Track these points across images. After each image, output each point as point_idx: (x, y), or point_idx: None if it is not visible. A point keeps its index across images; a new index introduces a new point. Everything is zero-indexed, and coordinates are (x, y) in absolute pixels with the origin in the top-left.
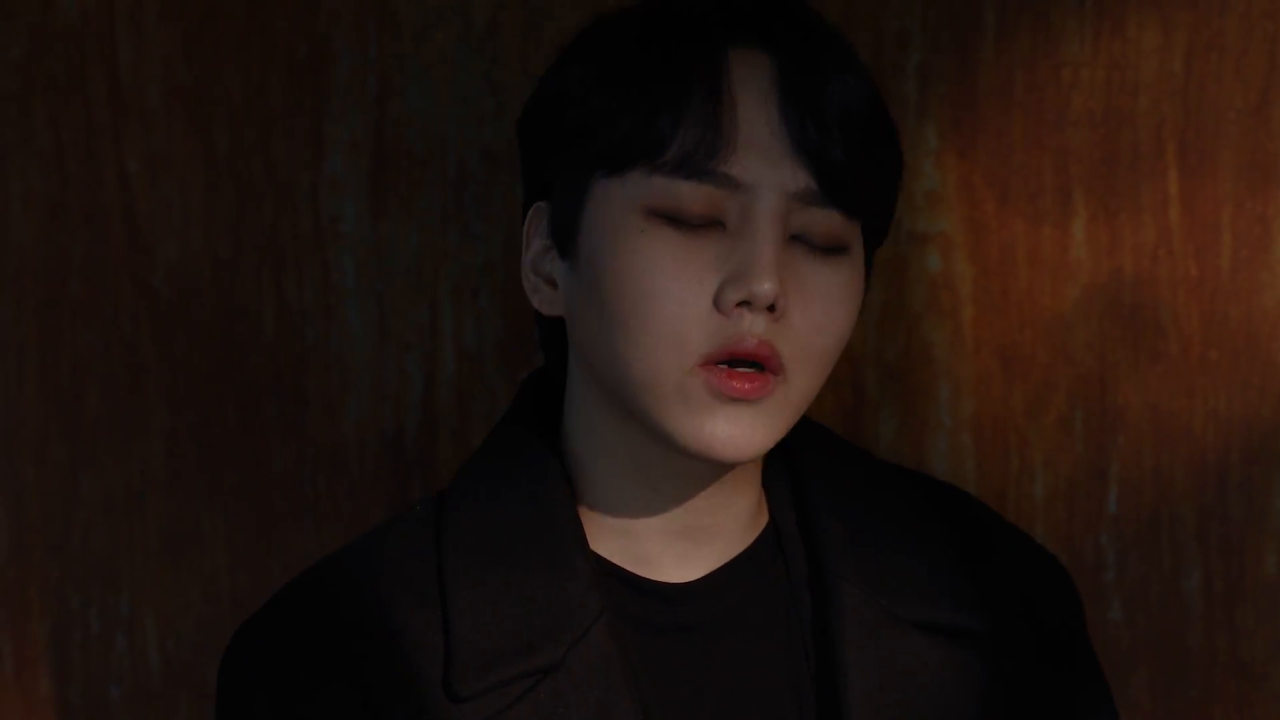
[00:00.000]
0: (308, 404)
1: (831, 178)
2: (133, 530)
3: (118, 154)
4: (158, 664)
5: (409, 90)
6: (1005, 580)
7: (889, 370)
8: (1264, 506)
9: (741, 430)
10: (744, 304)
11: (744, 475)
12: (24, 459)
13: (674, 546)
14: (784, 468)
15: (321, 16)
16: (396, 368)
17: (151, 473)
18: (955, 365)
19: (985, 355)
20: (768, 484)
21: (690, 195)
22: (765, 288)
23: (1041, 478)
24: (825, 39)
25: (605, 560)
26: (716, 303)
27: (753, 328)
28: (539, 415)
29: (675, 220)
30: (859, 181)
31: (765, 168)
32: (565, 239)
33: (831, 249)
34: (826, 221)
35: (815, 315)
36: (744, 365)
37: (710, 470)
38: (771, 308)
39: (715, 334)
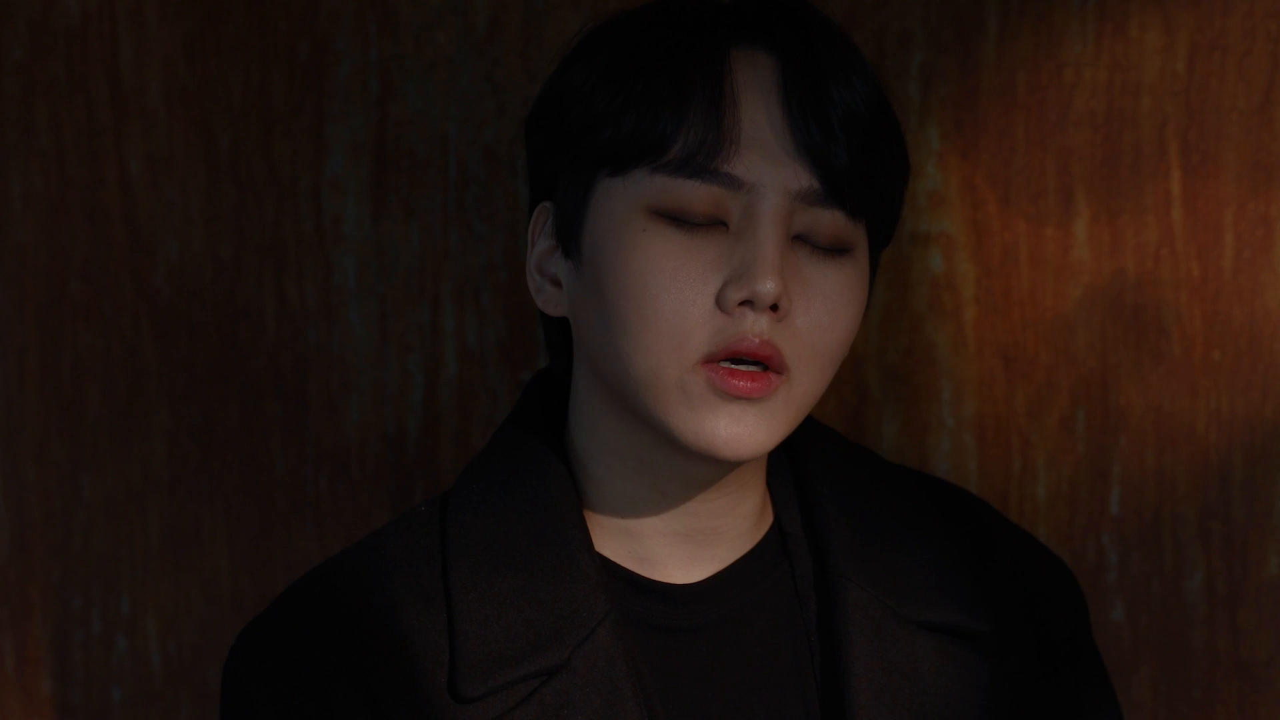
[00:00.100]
0: (309, 404)
1: (834, 178)
2: (134, 531)
3: (119, 154)
4: (159, 665)
5: (410, 91)
6: (1010, 581)
7: (891, 371)
8: (1266, 507)
9: (744, 429)
10: (746, 303)
11: (748, 476)
12: (25, 459)
13: (679, 548)
14: (789, 468)
15: (322, 17)
16: (398, 368)
17: (152, 473)
18: (958, 366)
19: (988, 356)
20: (772, 485)
21: (693, 194)
22: (768, 287)
23: (1044, 478)
24: (830, 40)
25: (610, 561)
26: (719, 302)
27: (755, 327)
28: (543, 416)
29: (678, 220)
30: (862, 182)
31: (768, 167)
32: (569, 239)
33: (835, 249)
34: (830, 222)
35: (818, 315)
36: (746, 364)
37: (714, 472)
38: (774, 307)
39: (718, 333)
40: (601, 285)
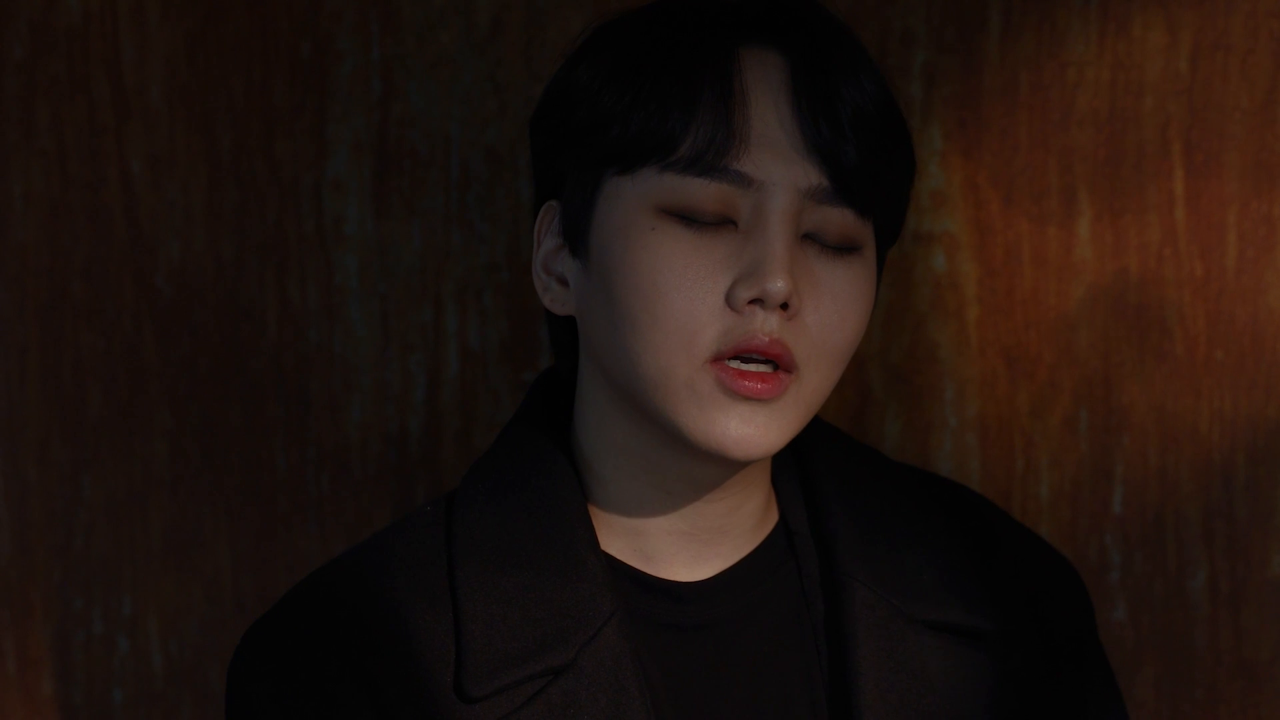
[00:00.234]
0: (311, 405)
1: (844, 176)
2: (135, 531)
3: (120, 154)
4: (160, 665)
5: (412, 90)
6: (1015, 580)
7: (894, 370)
8: (1269, 507)
9: (754, 429)
10: (756, 302)
11: (754, 476)
12: (26, 460)
13: (685, 546)
14: (795, 467)
15: (324, 16)
16: (400, 368)
17: (154, 474)
18: (960, 365)
19: (990, 355)
20: (779, 483)
21: (702, 193)
22: (778, 285)
23: (1046, 478)
24: (838, 38)
25: (616, 559)
26: (729, 300)
27: (765, 326)
28: (548, 415)
29: (687, 219)
30: (871, 180)
31: (778, 165)
32: (576, 237)
33: (844, 248)
34: (839, 220)
35: (827, 314)
36: (756, 363)
37: (722, 472)
38: (784, 306)
39: (727, 332)
40: (610, 284)
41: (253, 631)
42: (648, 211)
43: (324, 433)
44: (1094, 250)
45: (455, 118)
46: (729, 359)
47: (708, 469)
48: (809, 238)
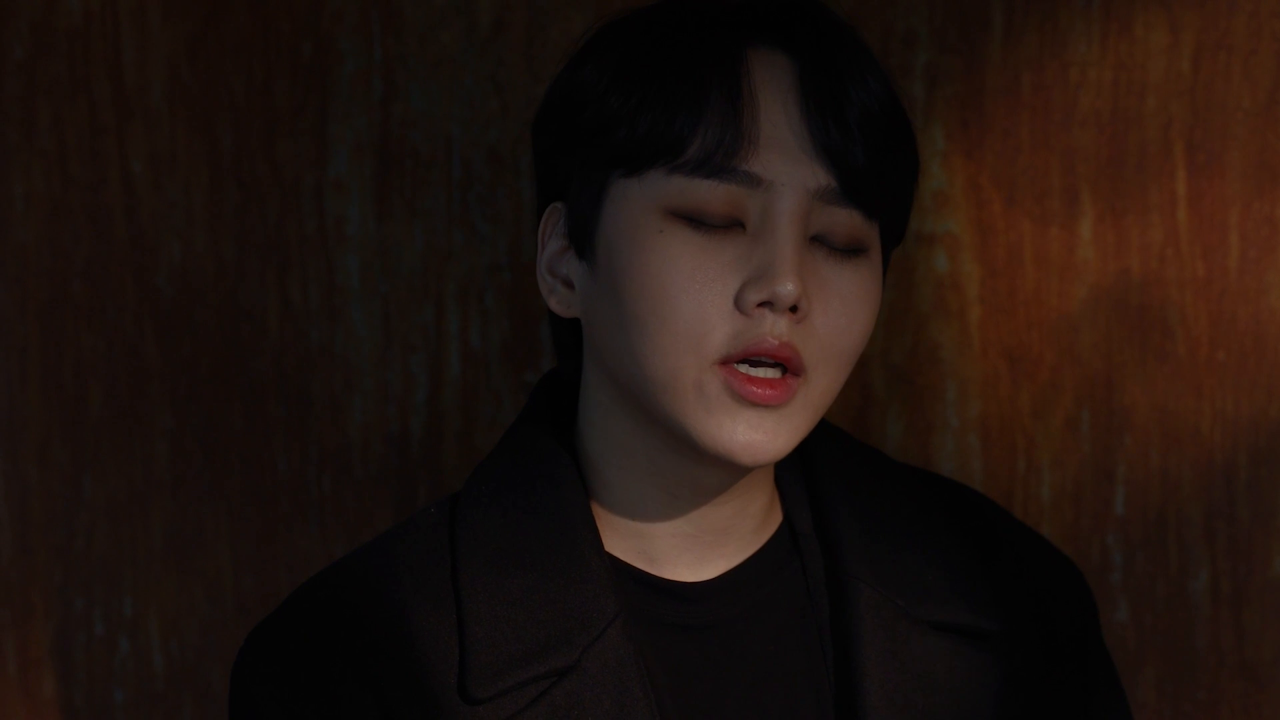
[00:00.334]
0: (312, 405)
1: (852, 177)
2: (136, 532)
3: (121, 154)
4: (161, 666)
5: (413, 91)
6: (1019, 580)
7: (896, 371)
8: (1271, 507)
9: (762, 435)
10: (765, 305)
11: (758, 478)
12: (27, 460)
13: (689, 548)
14: (799, 468)
15: (326, 17)
16: (401, 369)
17: (155, 474)
18: (962, 366)
19: (992, 356)
20: (783, 484)
21: (710, 195)
22: (788, 288)
23: (1048, 478)
24: (844, 40)
25: (620, 561)
26: (737, 303)
27: (775, 329)
28: (552, 417)
29: (695, 221)
30: (878, 181)
31: (786, 166)
32: (583, 240)
33: (852, 250)
34: (847, 222)
35: (836, 316)
36: (764, 366)
37: (727, 476)
38: (794, 309)
39: (736, 335)
40: (617, 286)
41: (256, 633)
42: (656, 214)
43: (325, 433)
44: (1096, 251)
45: (457, 118)
46: (737, 362)
47: (713, 473)
48: (817, 240)
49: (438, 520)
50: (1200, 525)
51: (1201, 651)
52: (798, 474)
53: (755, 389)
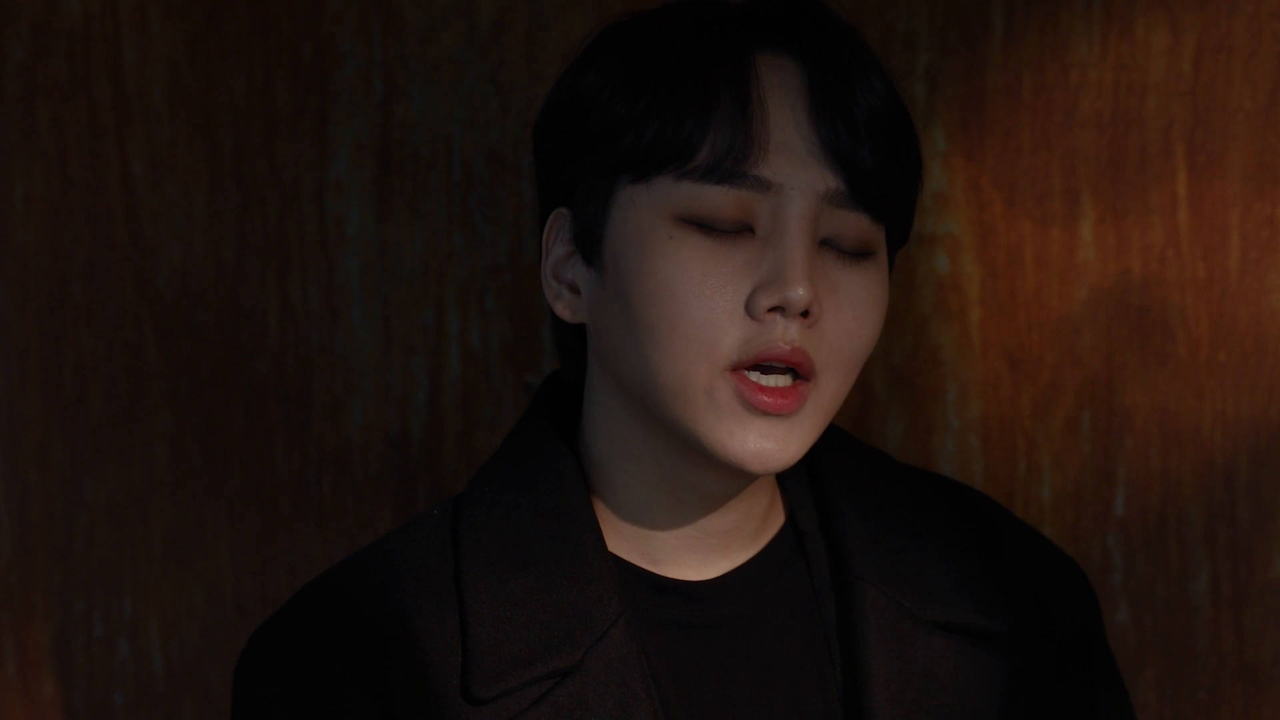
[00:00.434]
0: (312, 407)
1: (860, 180)
2: (136, 534)
3: (121, 156)
4: (161, 668)
5: (414, 92)
6: (1022, 581)
7: (896, 372)
8: (1271, 508)
9: (774, 444)
10: (776, 309)
11: (762, 480)
12: (27, 462)
13: (693, 550)
14: (803, 468)
15: (326, 18)
16: (401, 370)
17: (155, 476)
18: (963, 367)
19: (993, 357)
20: (787, 484)
21: (720, 200)
22: (799, 293)
23: (1049, 479)
24: (849, 43)
25: (624, 561)
26: (748, 308)
27: (786, 334)
28: (555, 419)
29: (705, 226)
30: (886, 183)
31: (795, 170)
32: (589, 246)
33: (860, 253)
34: (855, 224)
35: (846, 320)
36: (775, 373)
37: (734, 482)
38: (805, 313)
39: (748, 341)
40: (627, 292)
41: (259, 634)
42: (665, 220)
43: (325, 435)
44: (1097, 252)
45: (457, 119)
46: (749, 369)
47: (720, 480)
48: (826, 244)
49: (440, 521)
50: (1201, 526)
51: (1202, 653)
52: (802, 474)
53: (766, 398)
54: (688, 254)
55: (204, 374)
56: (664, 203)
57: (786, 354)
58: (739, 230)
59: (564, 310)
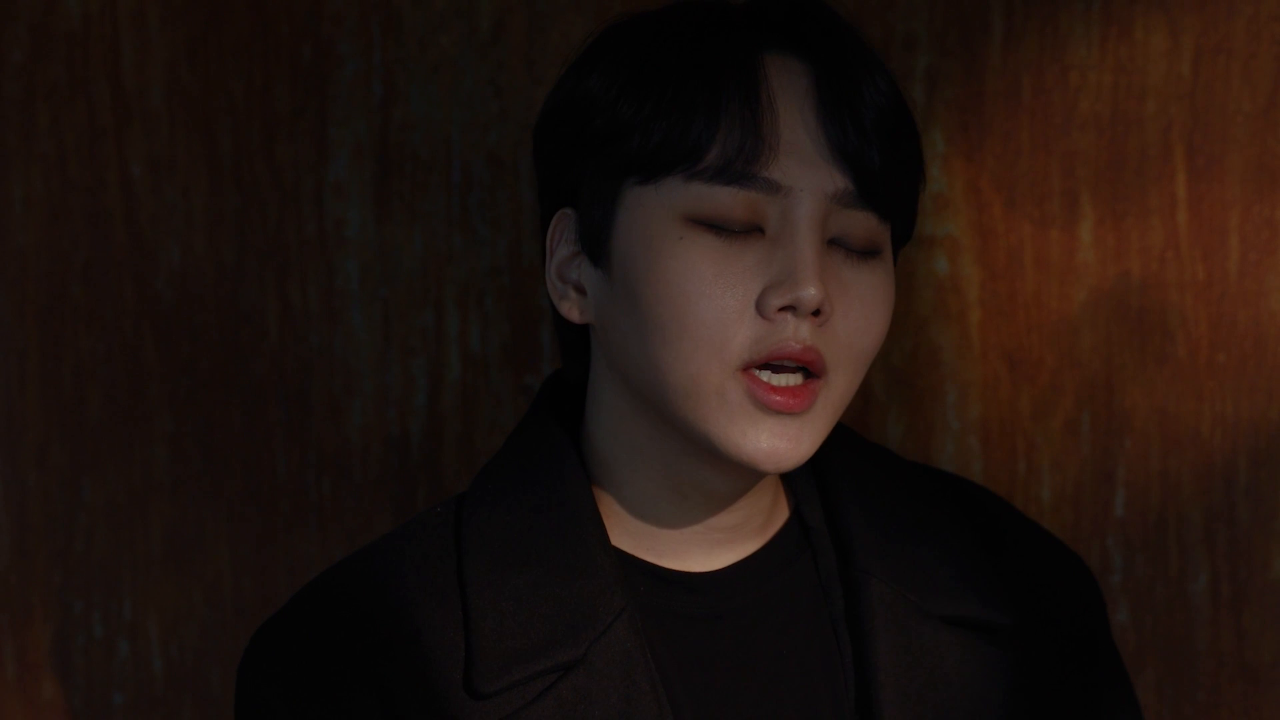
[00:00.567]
0: (311, 408)
1: (868, 179)
2: (135, 535)
3: (120, 157)
4: (161, 669)
5: (413, 94)
6: (1027, 576)
7: (896, 373)
8: (1271, 509)
9: (786, 442)
10: (788, 309)
11: (768, 477)
12: (26, 463)
13: (697, 544)
14: (808, 464)
15: (325, 20)
16: (401, 372)
17: (154, 477)
18: (962, 368)
19: (992, 358)
20: (793, 480)
21: (731, 201)
22: (811, 293)
23: (1048, 480)
24: (853, 42)
25: (628, 555)
26: (759, 308)
27: (798, 333)
28: (559, 417)
29: (715, 227)
30: (893, 183)
31: (805, 171)
32: (596, 247)
33: (867, 252)
34: (863, 224)
35: (856, 318)
36: (786, 372)
37: (741, 481)
38: (817, 312)
39: (758, 340)
40: (636, 293)
41: (261, 633)
42: (675, 221)
43: (325, 436)
44: (1096, 253)
45: (456, 121)
46: (760, 367)
47: (727, 479)
48: (834, 243)
49: (443, 519)
50: (1200, 527)
51: (1201, 653)
52: (807, 470)
53: (778, 397)
54: (698, 254)
55: (203, 375)
56: (673, 203)
57: (798, 353)
58: (749, 231)
59: (570, 310)
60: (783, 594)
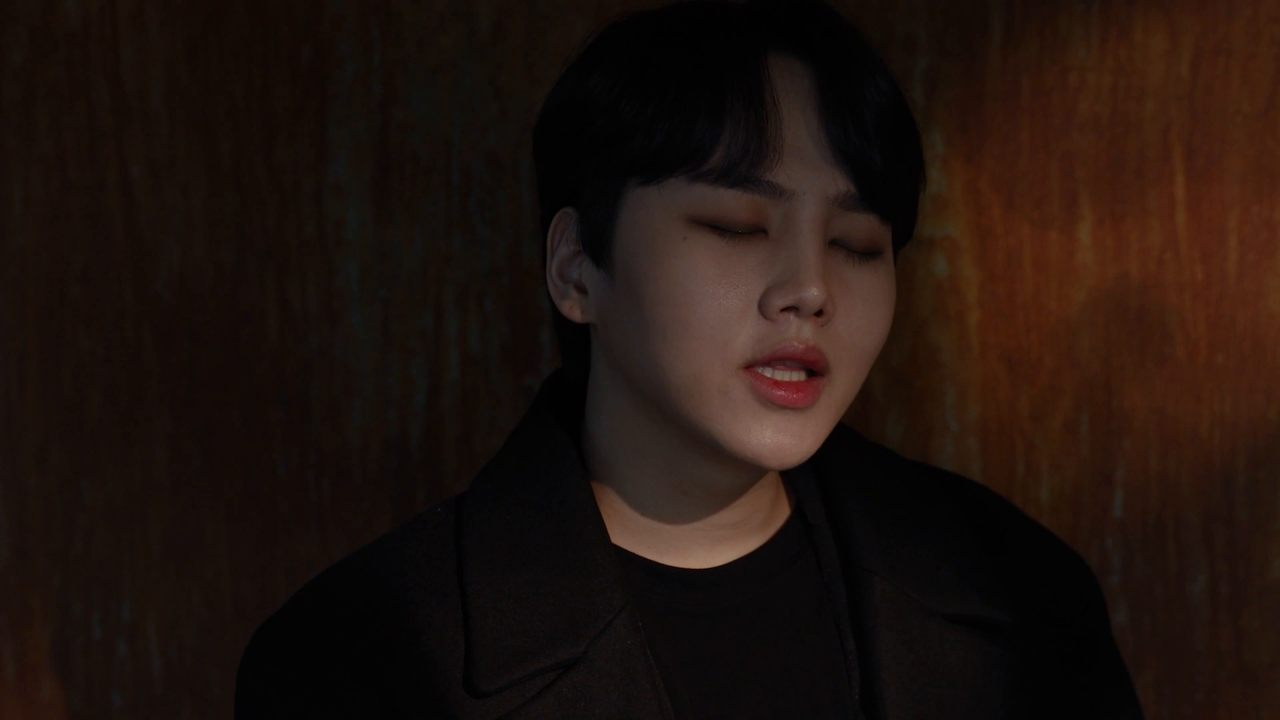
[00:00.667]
0: (311, 409)
1: (870, 182)
2: (135, 536)
3: (120, 158)
4: (160, 670)
5: (413, 95)
6: (1028, 574)
7: (895, 374)
8: (1270, 510)
9: (790, 438)
10: (790, 309)
11: (769, 474)
12: (25, 464)
13: (699, 542)
14: (810, 462)
15: (325, 21)
16: (400, 373)
17: (154, 478)
18: (961, 369)
19: (991, 359)
20: (795, 478)
21: (734, 204)
22: (813, 293)
23: (1047, 481)
24: (855, 43)
25: (628, 553)
26: (761, 308)
27: (800, 333)
28: (559, 417)
29: (718, 228)
30: (894, 184)
31: (808, 174)
32: (598, 247)
33: (869, 252)
34: (865, 225)
35: (858, 318)
36: (788, 370)
37: (742, 480)
38: (819, 313)
39: (761, 339)
40: (638, 293)
41: (261, 633)
42: (678, 222)
43: (324, 437)
44: (1095, 255)
45: (456, 122)
46: (762, 366)
47: (729, 476)
48: (835, 244)
49: (443, 518)
50: (1199, 528)
51: (1200, 654)
52: (808, 468)
53: (781, 392)
54: (702, 254)
55: (203, 376)
56: (676, 204)
57: (800, 353)
58: (751, 231)
59: (571, 310)
60: (784, 591)
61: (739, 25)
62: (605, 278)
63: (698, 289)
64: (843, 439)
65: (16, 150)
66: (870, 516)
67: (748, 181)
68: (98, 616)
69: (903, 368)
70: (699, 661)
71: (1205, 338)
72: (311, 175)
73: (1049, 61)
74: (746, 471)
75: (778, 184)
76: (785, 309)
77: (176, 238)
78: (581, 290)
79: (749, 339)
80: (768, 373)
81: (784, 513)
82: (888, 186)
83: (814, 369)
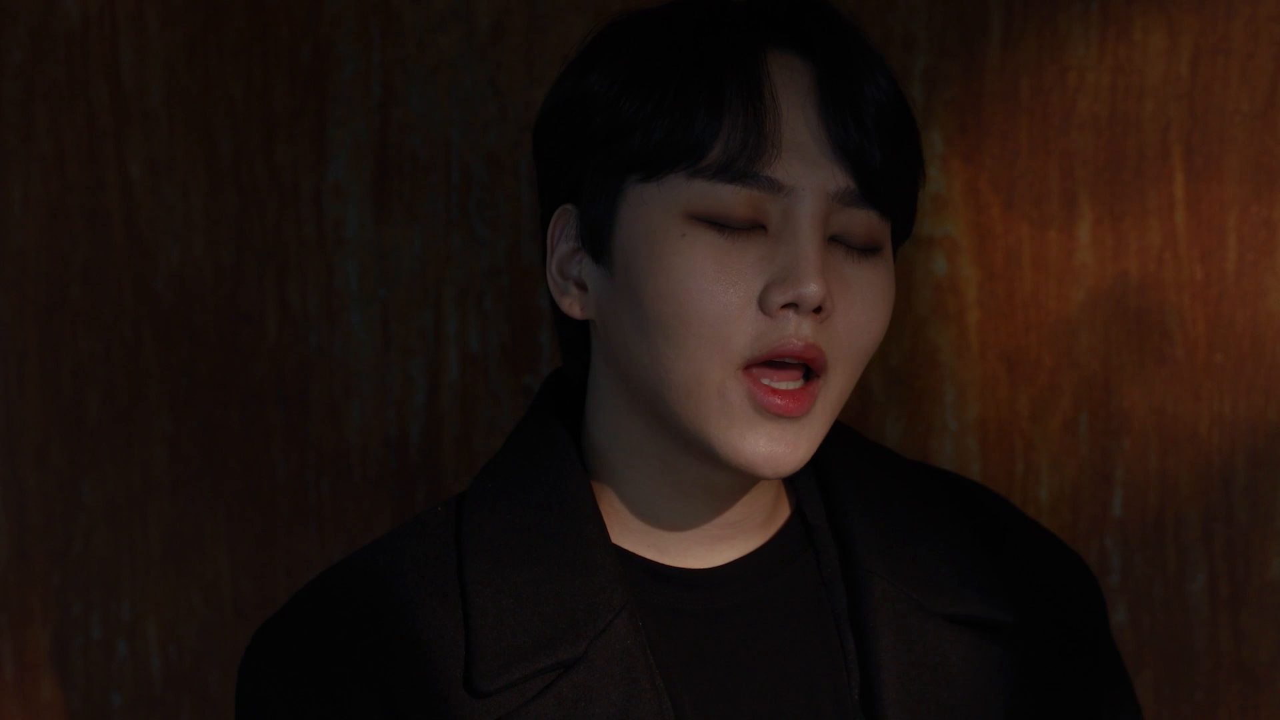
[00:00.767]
0: (310, 409)
1: (870, 178)
2: (134, 536)
3: (119, 158)
4: (159, 670)
5: (412, 95)
6: (1027, 574)
7: (895, 374)
8: (1269, 510)
9: (784, 447)
10: (789, 306)
11: None
12: (25, 464)
13: (699, 541)
14: (810, 462)
15: (324, 21)
16: (400, 373)
17: (153, 478)
18: (961, 369)
19: (990, 359)
20: (795, 478)
21: (734, 199)
22: (813, 290)
23: (1047, 481)
24: (855, 40)
25: (628, 552)
26: (761, 304)
27: (800, 330)
28: (559, 415)
29: (717, 224)
30: (894, 181)
31: (807, 170)
32: (597, 243)
33: (868, 249)
34: (864, 222)
35: (856, 316)
36: (788, 368)
37: (740, 483)
38: (818, 309)
39: (760, 337)
40: (638, 290)
41: (262, 632)
42: (678, 218)
43: (324, 437)
44: (1094, 254)
45: (455, 122)
46: (762, 364)
47: (726, 477)
48: (835, 240)
49: (443, 518)
50: (1198, 527)
51: (1199, 654)
52: (808, 468)
53: (777, 400)
54: (701, 250)
55: (202, 376)
56: (676, 201)
57: (799, 350)
58: (751, 228)
59: (570, 306)
60: (784, 591)
61: (738, 22)
62: (605, 274)
63: (697, 285)
64: (842, 439)
65: (16, 150)
66: (870, 516)
67: (746, 177)
68: (97, 616)
69: (902, 367)
70: (699, 661)
71: (1204, 337)
72: (311, 175)
73: (1048, 61)
74: (743, 474)
75: (776, 179)
76: (785, 305)
77: (176, 238)
78: (581, 287)
79: (748, 336)
80: (766, 380)
81: (784, 513)
82: (887, 182)
83: (812, 367)
